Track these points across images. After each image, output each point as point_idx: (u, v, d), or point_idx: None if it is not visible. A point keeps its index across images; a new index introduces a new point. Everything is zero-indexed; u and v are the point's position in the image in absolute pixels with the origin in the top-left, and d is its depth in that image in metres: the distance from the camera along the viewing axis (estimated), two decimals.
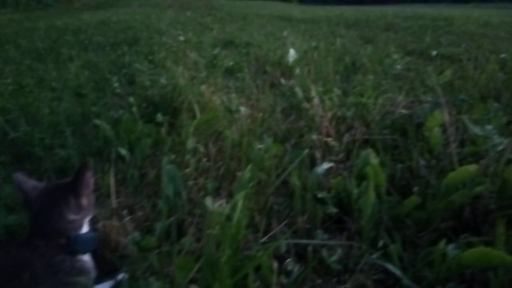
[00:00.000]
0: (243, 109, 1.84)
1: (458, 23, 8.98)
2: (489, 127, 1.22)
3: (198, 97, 1.82)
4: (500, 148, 1.20)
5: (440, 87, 2.30)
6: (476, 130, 1.21)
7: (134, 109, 1.67)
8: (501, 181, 1.06)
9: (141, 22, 7.88)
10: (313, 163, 1.33)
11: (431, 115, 1.32)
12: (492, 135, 1.17)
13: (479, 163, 1.21)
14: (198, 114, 1.60)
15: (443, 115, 1.33)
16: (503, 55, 3.74)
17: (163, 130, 1.50)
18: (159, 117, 1.63)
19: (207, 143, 1.45)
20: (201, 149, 1.40)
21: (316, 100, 1.67)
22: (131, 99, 1.74)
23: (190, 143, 1.36)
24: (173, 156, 1.31)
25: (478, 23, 8.95)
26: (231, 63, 3.29)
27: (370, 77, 2.52)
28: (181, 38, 5.30)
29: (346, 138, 1.47)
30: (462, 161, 1.21)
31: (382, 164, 1.30)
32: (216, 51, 3.97)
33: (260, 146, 1.37)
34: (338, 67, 2.99)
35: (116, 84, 2.34)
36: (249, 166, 1.03)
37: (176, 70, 2.68)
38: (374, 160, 1.12)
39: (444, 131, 1.30)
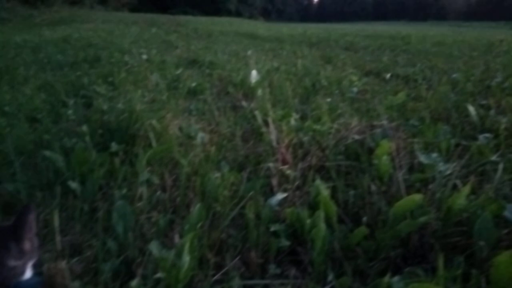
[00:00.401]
0: (201, 135, 1.84)
1: (415, 42, 9.44)
2: (434, 154, 1.28)
3: (156, 123, 1.80)
4: (446, 173, 1.26)
5: (394, 110, 2.41)
6: (422, 158, 1.26)
7: (87, 138, 1.62)
8: (446, 209, 1.11)
9: (104, 39, 7.74)
10: (269, 191, 1.34)
11: (380, 143, 1.37)
12: (438, 162, 1.23)
13: (427, 190, 1.26)
14: (154, 143, 1.58)
15: (391, 143, 1.38)
16: (454, 75, 3.95)
17: (117, 160, 1.47)
18: (114, 145, 1.60)
19: (163, 173, 1.43)
20: (156, 180, 1.38)
21: (272, 127, 1.70)
22: (85, 127, 1.70)
23: (144, 175, 1.33)
24: (125, 190, 1.28)
25: (433, 42, 9.45)
26: (193, 84, 3.29)
27: (328, 99, 2.59)
28: (144, 56, 5.25)
29: (302, 164, 1.50)
30: (410, 188, 1.26)
31: (335, 191, 1.33)
32: (179, 71, 3.96)
33: (217, 175, 1.37)
34: (299, 89, 3.05)
35: (70, 111, 2.27)
36: (198, 205, 1.02)
37: (136, 93, 2.64)
38: (325, 191, 1.14)
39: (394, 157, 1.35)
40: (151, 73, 3.67)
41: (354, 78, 3.34)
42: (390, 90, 3.16)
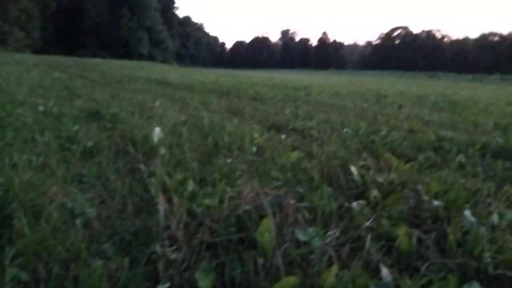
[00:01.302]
0: (89, 210, 1.73)
1: (315, 93, 10.30)
2: (311, 229, 1.37)
3: (35, 201, 1.65)
4: (322, 247, 1.35)
5: (287, 170, 2.55)
6: (299, 234, 1.35)
7: None
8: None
9: None
10: (155, 279, 1.30)
11: (264, 219, 1.43)
12: (313, 238, 1.31)
13: (307, 266, 1.33)
14: (26, 230, 1.44)
15: (276, 215, 1.45)
16: (345, 130, 4.36)
17: None
18: None
19: (36, 265, 1.30)
20: (25, 276, 1.25)
21: (162, 199, 1.67)
22: None
23: (11, 271, 1.20)
24: None
25: (331, 93, 10.42)
26: (90, 144, 3.13)
27: (229, 160, 2.65)
28: (40, 108, 4.89)
29: (193, 242, 1.48)
30: (291, 264, 1.32)
31: (224, 268, 1.33)
32: (77, 127, 3.74)
33: (98, 262, 1.29)
34: (201, 148, 3.08)
35: None
36: None
37: (21, 159, 2.42)
38: (203, 282, 1.14)
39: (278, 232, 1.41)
40: (43, 130, 3.41)
41: (256, 135, 3.49)
42: (288, 146, 3.36)
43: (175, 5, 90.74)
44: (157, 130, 3.40)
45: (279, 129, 4.47)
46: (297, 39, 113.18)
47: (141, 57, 65.86)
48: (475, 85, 32.52)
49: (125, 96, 7.22)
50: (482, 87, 30.00)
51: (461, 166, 2.91)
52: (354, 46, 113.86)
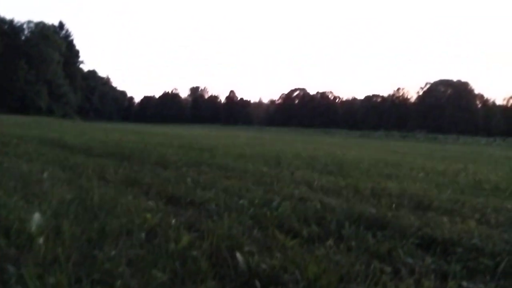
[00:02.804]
0: None
1: (220, 155, 10.50)
2: None
3: None
4: None
5: (176, 258, 2.52)
6: None
7: None
8: None
9: None
10: None
11: None
12: None
13: None
14: None
15: None
16: (241, 201, 4.49)
17: None
18: None
19: None
20: None
21: None
22: None
23: None
24: None
25: (235, 155, 10.72)
26: None
27: (113, 252, 2.54)
28: None
29: None
30: None
31: None
32: None
33: None
34: (86, 235, 2.90)
35: None
36: None
37: None
38: None
39: None
40: None
41: (148, 215, 3.41)
42: (182, 226, 3.33)
43: (80, 59, 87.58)
44: (37, 216, 3.13)
45: (178, 201, 4.43)
46: (206, 96, 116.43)
47: (39, 111, 61.12)
48: (363, 141, 36.47)
49: (10, 165, 6.50)
50: (369, 143, 33.76)
51: (340, 238, 3.19)
52: (260, 104, 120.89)
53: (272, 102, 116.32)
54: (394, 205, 4.45)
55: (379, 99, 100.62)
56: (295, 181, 6.18)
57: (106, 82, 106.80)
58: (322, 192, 5.24)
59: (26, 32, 74.64)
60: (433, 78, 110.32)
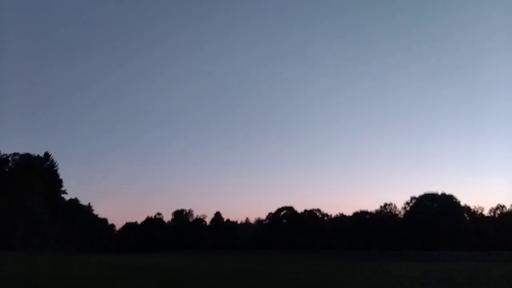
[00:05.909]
0: None
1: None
2: None
3: None
4: None
5: None
6: None
7: None
8: None
9: None
10: None
11: None
12: None
13: None
14: None
15: None
16: None
17: None
18: None
19: None
20: None
21: None
22: None
23: None
24: None
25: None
26: None
27: None
28: None
29: None
30: None
31: None
32: None
33: None
34: None
35: None
36: None
37: None
38: None
39: None
40: None
41: None
42: None
43: (62, 188, 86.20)
44: None
45: None
46: (191, 219, 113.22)
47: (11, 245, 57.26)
48: (359, 264, 34.10)
49: None
50: (363, 266, 31.44)
51: None
52: (247, 225, 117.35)
53: (259, 222, 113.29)
54: None
55: (367, 216, 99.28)
56: None
57: (87, 210, 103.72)
58: None
59: (10, 164, 74.58)
60: (417, 191, 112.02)
